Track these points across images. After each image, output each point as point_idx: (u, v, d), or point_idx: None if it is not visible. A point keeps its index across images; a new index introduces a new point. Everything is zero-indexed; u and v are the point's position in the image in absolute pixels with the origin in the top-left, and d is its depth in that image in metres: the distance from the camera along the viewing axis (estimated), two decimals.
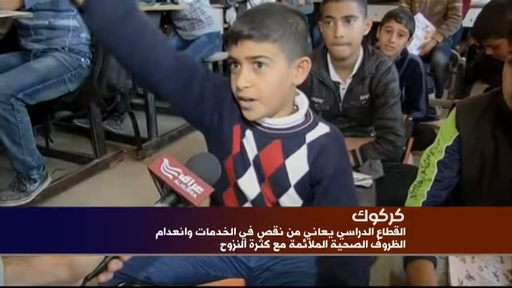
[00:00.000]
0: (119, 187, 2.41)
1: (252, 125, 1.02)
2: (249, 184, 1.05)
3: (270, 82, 0.93)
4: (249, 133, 1.03)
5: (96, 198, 2.32)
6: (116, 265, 0.71)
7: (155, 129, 3.06)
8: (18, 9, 2.05)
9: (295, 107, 1.06)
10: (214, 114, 1.03)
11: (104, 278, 0.70)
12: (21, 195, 2.11)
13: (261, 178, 1.04)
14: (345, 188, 1.02)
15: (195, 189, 0.72)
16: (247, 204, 1.09)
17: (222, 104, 1.03)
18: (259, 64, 0.91)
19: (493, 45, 2.04)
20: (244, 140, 1.03)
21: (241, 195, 1.08)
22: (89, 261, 0.69)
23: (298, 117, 1.03)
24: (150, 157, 2.90)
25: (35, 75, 2.11)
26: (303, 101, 1.05)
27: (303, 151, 1.02)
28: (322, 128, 1.04)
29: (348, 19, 1.67)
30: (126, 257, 0.72)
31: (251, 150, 1.03)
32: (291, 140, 1.02)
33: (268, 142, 1.02)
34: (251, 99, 0.95)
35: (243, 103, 0.96)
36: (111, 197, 2.30)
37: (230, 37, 0.93)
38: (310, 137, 1.02)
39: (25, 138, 2.05)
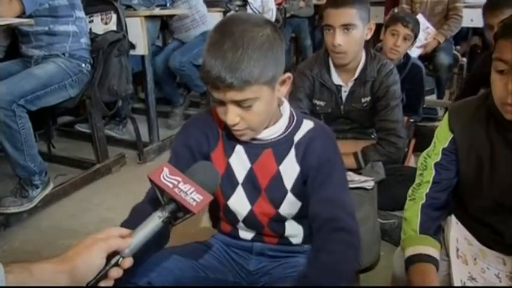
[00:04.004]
0: (122, 192, 2.41)
1: (241, 140, 1.03)
2: (239, 203, 1.07)
3: (259, 114, 0.93)
4: (239, 148, 1.04)
5: (99, 203, 2.32)
6: (116, 272, 0.71)
7: (156, 133, 3.06)
8: (18, 16, 2.05)
9: (280, 114, 1.06)
10: (196, 159, 1.04)
11: (104, 285, 0.71)
12: (23, 201, 2.11)
13: (257, 191, 1.05)
14: (327, 177, 0.99)
15: (194, 197, 0.72)
16: (240, 224, 1.10)
17: (195, 149, 1.05)
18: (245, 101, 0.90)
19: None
20: (231, 160, 1.05)
21: (232, 216, 1.10)
22: (89, 268, 0.69)
23: (283, 123, 1.03)
24: (152, 161, 2.90)
25: (36, 81, 2.11)
26: (285, 105, 1.06)
27: (292, 153, 1.03)
28: (307, 125, 1.05)
29: (346, 27, 1.67)
30: (127, 264, 0.72)
31: (242, 165, 1.05)
32: (281, 145, 1.03)
33: (260, 152, 1.03)
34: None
35: (235, 132, 0.97)
36: (113, 202, 2.31)
37: (209, 82, 0.88)
38: (297, 137, 1.03)
39: (27, 144, 2.05)
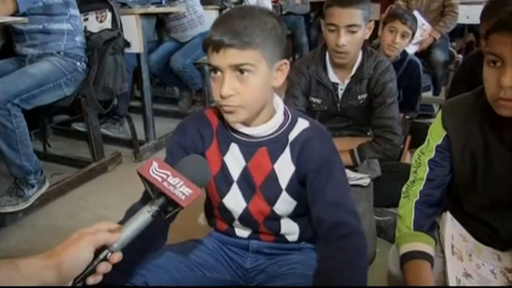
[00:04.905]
0: (118, 190, 2.40)
1: (235, 137, 1.03)
2: (235, 201, 1.06)
3: (253, 88, 0.93)
4: (234, 146, 1.04)
5: (95, 201, 2.32)
6: (104, 267, 0.71)
7: (153, 131, 3.05)
8: (12, 15, 2.04)
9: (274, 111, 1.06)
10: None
11: (92, 280, 0.70)
12: (19, 200, 2.11)
13: (252, 189, 1.05)
14: (328, 179, 0.99)
15: (183, 191, 0.72)
16: (235, 222, 1.10)
17: (190, 148, 1.05)
18: (242, 71, 0.91)
19: None
20: (225, 158, 1.05)
21: (227, 214, 1.10)
22: (77, 262, 0.68)
23: (277, 120, 1.03)
24: (148, 160, 2.88)
25: (31, 80, 2.10)
26: (278, 101, 1.06)
27: (287, 151, 1.02)
28: (302, 124, 1.05)
29: (351, 28, 1.67)
30: (115, 259, 0.72)
31: (237, 163, 1.04)
32: (276, 143, 1.03)
33: (255, 150, 1.03)
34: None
35: (226, 108, 0.95)
36: (109, 201, 2.30)
37: (211, 45, 0.90)
38: (292, 135, 1.03)
39: (22, 143, 2.04)
